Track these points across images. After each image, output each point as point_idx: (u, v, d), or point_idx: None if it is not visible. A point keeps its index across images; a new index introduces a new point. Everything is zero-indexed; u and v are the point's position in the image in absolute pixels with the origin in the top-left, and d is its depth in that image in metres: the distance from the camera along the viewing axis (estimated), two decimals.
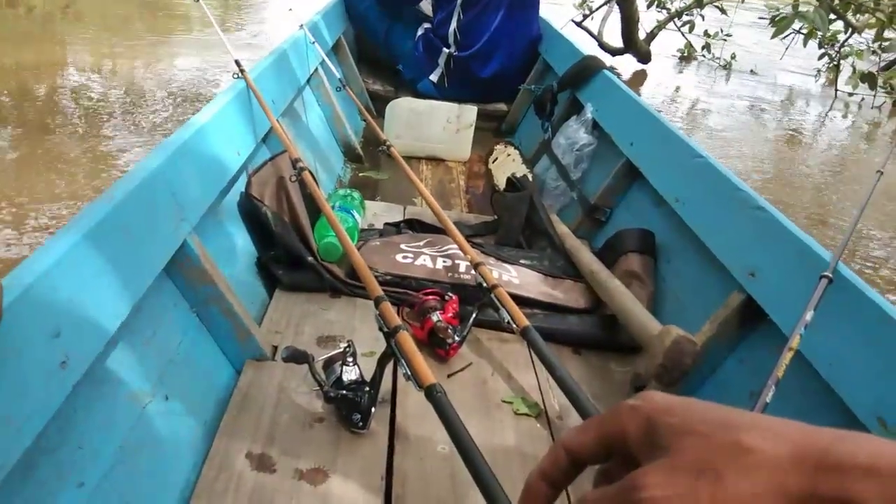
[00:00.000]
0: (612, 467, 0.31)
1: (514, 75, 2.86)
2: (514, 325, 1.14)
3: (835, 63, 5.25)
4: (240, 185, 1.39)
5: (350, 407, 0.98)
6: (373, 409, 0.99)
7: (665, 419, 0.28)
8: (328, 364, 1.02)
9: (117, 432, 0.81)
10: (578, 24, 5.89)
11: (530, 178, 1.96)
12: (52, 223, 2.09)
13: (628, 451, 0.29)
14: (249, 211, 1.37)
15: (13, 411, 0.61)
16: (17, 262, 0.72)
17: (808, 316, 0.85)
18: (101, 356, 0.78)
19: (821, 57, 5.33)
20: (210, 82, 3.80)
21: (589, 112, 2.02)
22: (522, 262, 1.51)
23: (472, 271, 1.30)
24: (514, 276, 1.44)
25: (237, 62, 1.52)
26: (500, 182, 2.07)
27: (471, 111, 2.47)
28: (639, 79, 5.40)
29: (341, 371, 0.99)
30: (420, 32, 2.91)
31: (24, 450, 0.62)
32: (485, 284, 1.23)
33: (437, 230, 1.56)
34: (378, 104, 2.82)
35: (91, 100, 3.32)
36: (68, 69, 3.82)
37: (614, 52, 5.61)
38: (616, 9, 5.33)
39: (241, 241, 1.35)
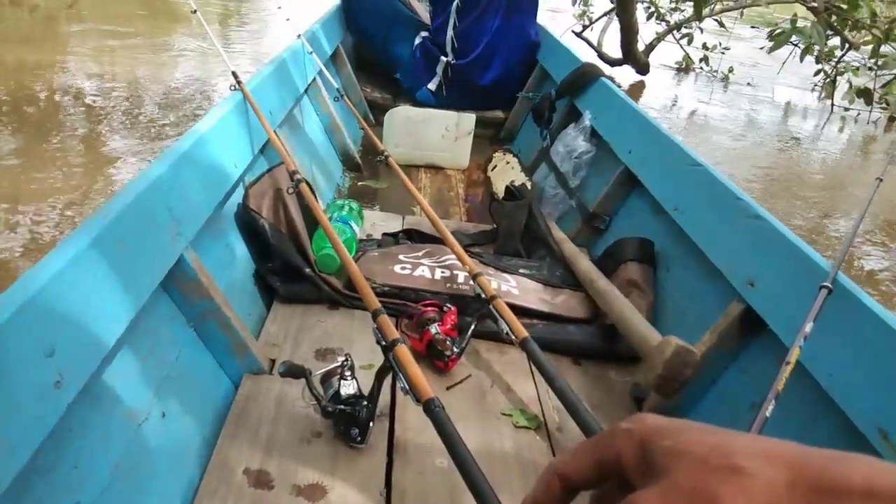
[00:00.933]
0: (606, 492, 0.31)
1: (512, 83, 2.86)
2: (513, 336, 1.14)
3: (831, 78, 5.27)
4: (237, 198, 1.38)
5: (348, 421, 0.97)
6: (371, 424, 0.99)
7: (659, 442, 0.28)
8: (326, 378, 1.01)
9: (114, 450, 0.81)
10: (578, 35, 5.91)
11: (529, 186, 1.96)
12: (47, 226, 2.09)
13: (623, 475, 0.29)
14: (247, 223, 1.36)
15: (6, 432, 0.61)
16: (8, 263, 0.72)
17: (808, 327, 0.84)
18: (96, 373, 0.77)
19: (817, 73, 5.36)
20: (210, 84, 3.82)
21: (587, 119, 2.02)
22: (521, 271, 1.51)
23: (471, 282, 1.29)
24: (513, 286, 1.44)
25: (234, 74, 1.52)
26: (499, 190, 2.07)
27: (469, 119, 2.47)
28: (637, 90, 5.41)
29: (339, 385, 0.99)
30: (418, 41, 2.91)
31: (18, 471, 0.61)
32: (483, 295, 1.23)
33: (435, 240, 1.56)
34: (377, 113, 2.83)
35: (92, 100, 3.32)
36: (69, 69, 3.83)
37: (613, 63, 5.63)
38: (616, 20, 5.34)
39: (239, 254, 1.35)
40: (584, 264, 1.51)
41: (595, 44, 5.86)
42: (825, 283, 0.90)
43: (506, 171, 2.26)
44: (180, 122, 3.16)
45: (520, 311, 1.28)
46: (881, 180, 1.14)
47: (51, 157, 2.61)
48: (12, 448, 0.61)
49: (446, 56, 2.83)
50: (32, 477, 0.66)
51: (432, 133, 2.46)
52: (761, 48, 4.25)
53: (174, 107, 3.38)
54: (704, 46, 6.10)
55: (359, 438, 0.97)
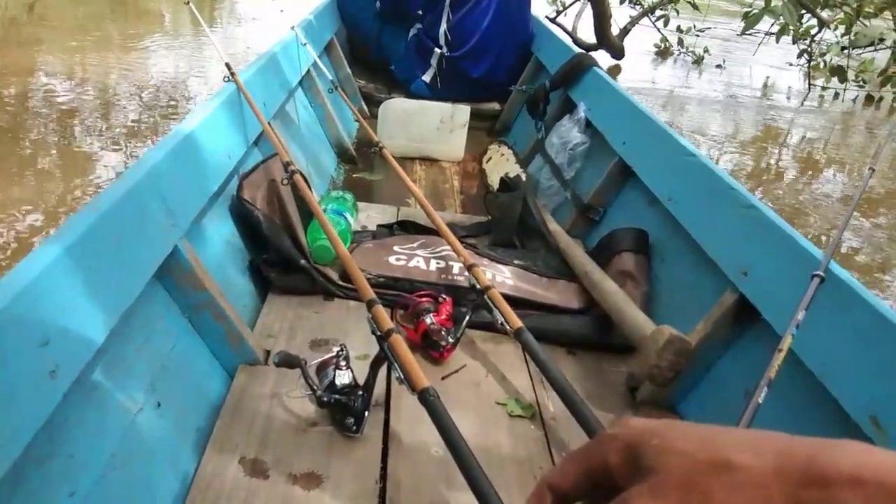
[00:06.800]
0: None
1: (506, 75, 2.86)
2: (508, 327, 1.14)
3: (807, 56, 5.28)
4: (231, 189, 1.38)
5: (343, 411, 0.97)
6: (366, 413, 0.99)
7: (647, 441, 0.28)
8: (321, 368, 1.01)
9: (109, 440, 0.81)
10: (552, 21, 5.87)
11: (524, 178, 1.97)
12: (24, 230, 2.05)
13: (613, 482, 0.29)
14: (241, 214, 1.36)
15: (1, 422, 0.61)
16: None
17: (800, 315, 0.85)
18: (91, 364, 0.77)
19: (800, 55, 5.35)
20: (182, 83, 3.76)
21: (582, 111, 2.02)
22: (516, 262, 1.51)
23: (466, 273, 1.30)
24: (508, 277, 1.44)
25: (228, 65, 1.51)
26: (494, 182, 2.07)
27: (464, 111, 2.46)
28: (611, 75, 5.40)
29: (334, 375, 0.99)
30: (412, 33, 2.90)
31: (13, 460, 0.61)
32: (478, 286, 1.23)
33: (430, 231, 1.56)
34: (371, 105, 2.82)
35: (60, 103, 3.25)
36: (36, 72, 3.74)
37: (588, 49, 5.61)
38: (589, 4, 5.33)
39: (233, 245, 1.35)
40: (578, 255, 1.51)
41: (570, 29, 5.85)
42: (817, 272, 0.91)
43: (500, 163, 2.26)
44: (150, 121, 3.11)
45: (514, 302, 1.28)
46: (873, 170, 1.14)
47: (24, 162, 2.56)
48: (8, 437, 0.61)
49: (440, 48, 2.83)
50: (28, 466, 0.66)
51: (427, 125, 2.46)
52: (740, 34, 4.27)
53: (148, 108, 3.31)
54: (678, 29, 6.10)
55: (354, 428, 0.98)
